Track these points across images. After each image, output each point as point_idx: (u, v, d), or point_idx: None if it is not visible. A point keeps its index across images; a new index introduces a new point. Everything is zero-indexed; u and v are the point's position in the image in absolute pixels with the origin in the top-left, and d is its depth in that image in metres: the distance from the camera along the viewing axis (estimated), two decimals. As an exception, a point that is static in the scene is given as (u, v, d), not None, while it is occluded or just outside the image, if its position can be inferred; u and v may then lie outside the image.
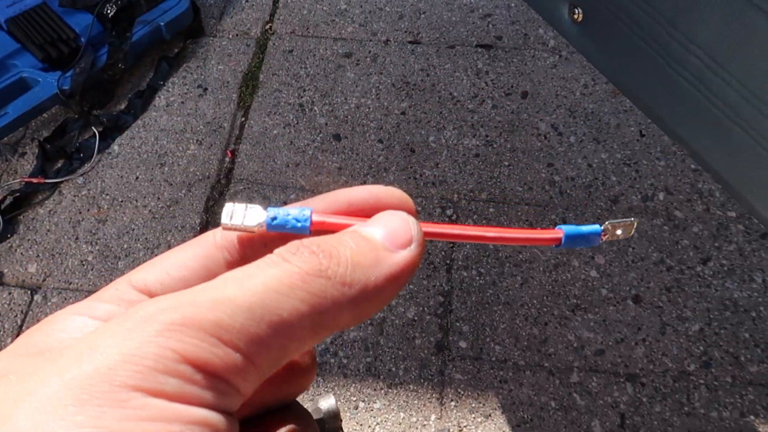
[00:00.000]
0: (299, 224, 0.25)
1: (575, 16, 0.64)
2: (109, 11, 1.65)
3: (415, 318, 1.31)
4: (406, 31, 1.75)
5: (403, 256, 0.23)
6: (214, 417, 0.19)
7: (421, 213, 1.44)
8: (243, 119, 1.61)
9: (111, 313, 0.24)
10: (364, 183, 1.49)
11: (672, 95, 0.59)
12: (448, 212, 1.44)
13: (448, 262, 1.37)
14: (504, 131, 1.56)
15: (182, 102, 1.65)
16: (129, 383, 0.18)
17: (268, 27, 1.79)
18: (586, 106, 1.59)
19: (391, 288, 0.23)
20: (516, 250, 1.38)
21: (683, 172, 1.48)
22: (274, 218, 0.25)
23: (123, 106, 1.64)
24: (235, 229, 0.25)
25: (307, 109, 1.62)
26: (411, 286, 1.35)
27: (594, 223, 0.31)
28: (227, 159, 1.55)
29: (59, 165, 1.56)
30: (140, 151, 1.57)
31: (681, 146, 0.60)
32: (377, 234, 0.24)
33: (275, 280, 0.21)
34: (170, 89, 1.68)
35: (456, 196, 1.46)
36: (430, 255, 1.39)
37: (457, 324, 1.30)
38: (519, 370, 1.25)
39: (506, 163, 1.51)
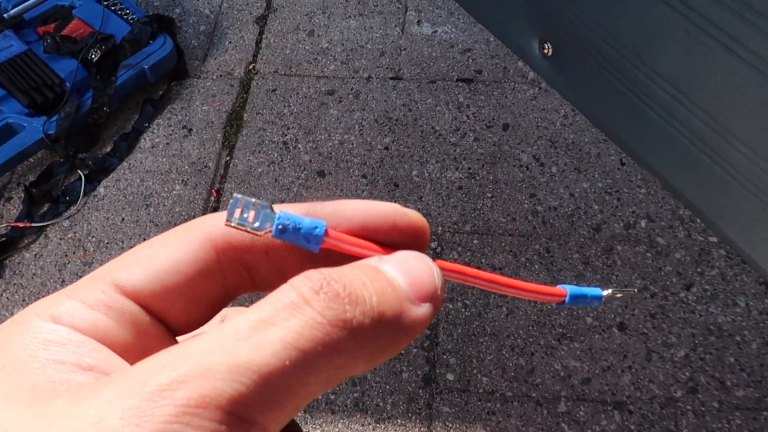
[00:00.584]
0: (309, 243, 0.23)
1: (545, 51, 0.66)
2: (93, 56, 1.67)
3: (402, 351, 1.31)
4: (387, 68, 1.78)
5: (424, 311, 0.21)
6: None
7: (406, 246, 1.45)
8: (228, 158, 1.63)
9: (98, 324, 0.21)
10: (349, 218, 1.50)
11: (641, 126, 0.61)
12: (433, 245, 1.45)
13: (434, 294, 1.38)
14: (486, 163, 1.58)
15: (167, 143, 1.66)
16: None
17: (251, 67, 1.81)
18: (567, 137, 1.62)
19: (405, 342, 0.21)
20: (501, 281, 1.39)
21: (664, 199, 1.50)
22: (284, 228, 0.22)
23: (108, 149, 1.66)
24: (239, 229, 0.23)
25: (291, 147, 1.63)
26: (398, 320, 1.35)
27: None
28: (212, 198, 1.56)
29: (45, 209, 1.56)
30: (126, 193, 1.58)
31: (653, 175, 0.62)
32: (401, 280, 0.21)
33: (296, 336, 0.18)
34: (155, 131, 1.69)
35: (440, 228, 1.48)
36: (417, 288, 1.39)
37: (444, 356, 1.30)
38: (507, 401, 1.25)
39: (489, 195, 1.53)
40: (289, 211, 0.23)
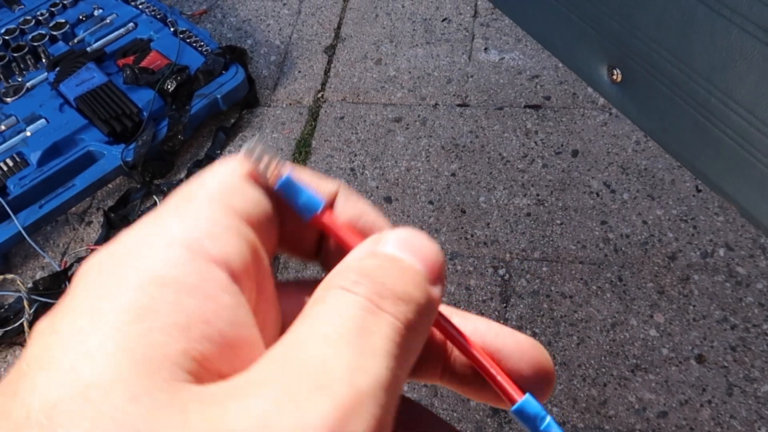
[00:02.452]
0: (302, 211, 0.23)
1: (614, 77, 0.64)
2: (169, 86, 1.74)
3: (470, 380, 1.29)
4: (454, 95, 1.79)
5: (438, 292, 0.21)
6: None
7: (472, 273, 1.44)
8: (296, 185, 1.65)
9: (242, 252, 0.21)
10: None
11: (715, 152, 0.59)
12: (501, 272, 1.43)
13: (501, 322, 1.36)
14: (555, 190, 1.55)
15: (238, 170, 1.70)
16: None
17: (320, 95, 1.85)
18: (639, 163, 1.58)
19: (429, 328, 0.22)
20: (571, 309, 1.36)
21: (744, 227, 1.44)
22: (287, 186, 0.23)
23: (182, 175, 1.71)
24: (255, 169, 0.23)
25: (358, 173, 1.65)
26: (464, 348, 1.33)
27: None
28: (281, 224, 1.58)
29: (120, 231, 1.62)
30: (198, 218, 1.62)
31: (730, 203, 0.60)
32: (419, 266, 0.21)
33: (391, 344, 0.19)
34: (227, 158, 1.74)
35: (508, 255, 1.46)
36: (484, 316, 1.37)
37: (513, 386, 1.28)
38: (578, 434, 1.21)
39: (558, 222, 1.50)
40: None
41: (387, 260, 0.21)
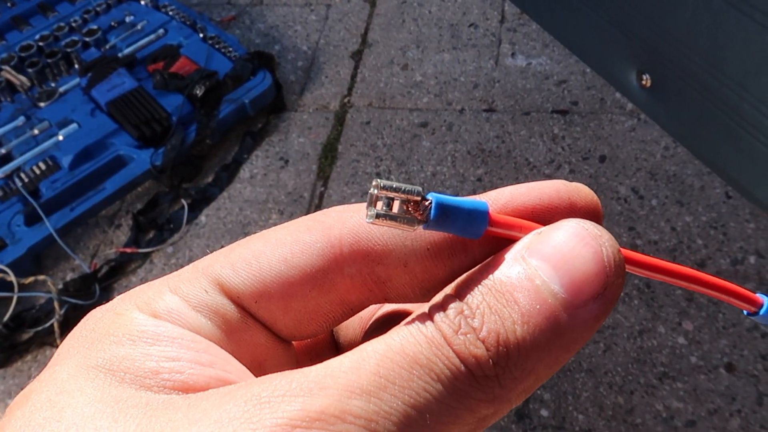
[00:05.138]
0: (467, 229, 0.19)
1: (643, 82, 0.64)
2: (198, 92, 1.76)
3: (495, 386, 1.29)
4: (480, 100, 1.78)
5: (589, 312, 0.18)
6: None
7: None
8: (323, 189, 1.66)
9: (202, 328, 0.20)
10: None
11: (747, 157, 0.58)
12: (527, 278, 1.42)
13: (527, 328, 1.35)
14: (582, 195, 1.54)
15: (265, 174, 1.72)
16: None
17: (346, 100, 1.86)
18: (668, 169, 1.56)
19: (575, 349, 0.18)
20: (598, 317, 1.35)
21: (774, 233, 1.42)
22: (443, 213, 0.18)
23: (210, 179, 1.73)
24: (386, 225, 0.18)
25: (384, 178, 1.65)
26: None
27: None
28: (307, 228, 1.59)
29: (151, 235, 1.64)
30: (225, 221, 1.64)
31: (762, 209, 0.59)
32: (557, 282, 0.18)
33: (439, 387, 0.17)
34: (254, 162, 1.75)
35: (534, 261, 1.45)
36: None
37: (538, 391, 1.27)
38: (604, 442, 1.20)
39: (585, 228, 1.49)
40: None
41: (503, 288, 0.18)
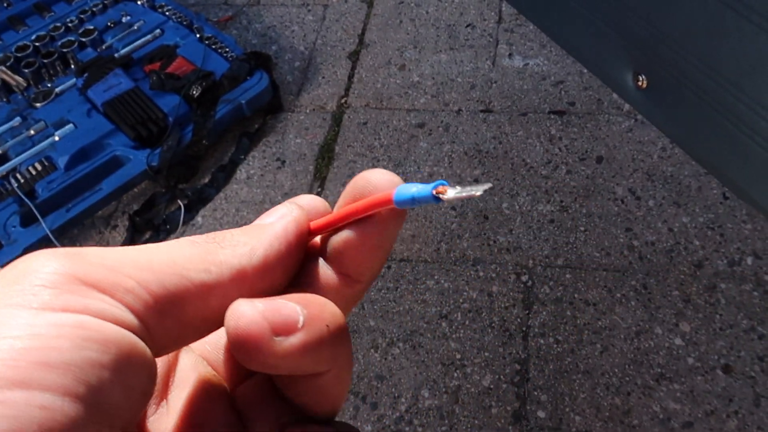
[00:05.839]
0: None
1: (639, 83, 0.64)
2: (195, 92, 1.75)
3: (491, 386, 1.28)
4: (477, 101, 1.78)
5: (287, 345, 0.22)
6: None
7: (495, 279, 1.43)
8: (319, 189, 1.66)
9: None
10: (438, 250, 1.50)
11: (743, 159, 0.58)
12: (524, 278, 1.42)
13: (524, 329, 1.35)
14: (579, 196, 1.54)
15: (262, 175, 1.71)
16: None
17: (343, 101, 1.85)
18: (665, 170, 1.56)
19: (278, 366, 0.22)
20: (595, 317, 1.35)
21: (771, 234, 1.42)
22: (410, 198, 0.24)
23: (207, 180, 1.72)
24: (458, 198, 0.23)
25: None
26: (486, 354, 1.33)
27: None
28: (304, 229, 1.59)
29: (147, 236, 1.64)
30: (222, 222, 1.63)
31: (758, 211, 0.59)
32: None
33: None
34: (250, 163, 1.75)
35: (531, 262, 1.45)
36: (506, 322, 1.37)
37: (535, 393, 1.27)
38: (601, 443, 1.20)
39: (582, 229, 1.49)
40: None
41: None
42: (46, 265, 0.19)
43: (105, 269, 0.20)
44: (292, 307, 0.22)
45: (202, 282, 0.21)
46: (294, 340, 0.21)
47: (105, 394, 0.18)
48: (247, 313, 0.21)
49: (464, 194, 0.23)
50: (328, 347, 0.22)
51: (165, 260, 0.21)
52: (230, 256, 0.23)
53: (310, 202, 0.26)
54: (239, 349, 0.21)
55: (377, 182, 0.25)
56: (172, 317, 0.21)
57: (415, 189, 0.23)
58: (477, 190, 0.22)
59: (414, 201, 0.23)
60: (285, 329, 0.21)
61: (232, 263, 0.22)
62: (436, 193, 0.23)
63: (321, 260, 0.25)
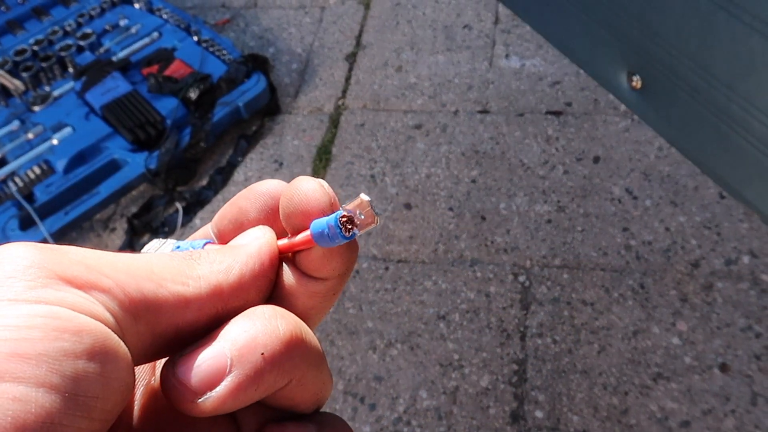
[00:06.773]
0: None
1: (633, 84, 0.64)
2: (192, 95, 1.76)
3: (489, 387, 1.29)
4: (475, 102, 1.79)
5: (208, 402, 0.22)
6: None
7: (492, 280, 1.44)
8: (317, 192, 1.66)
9: None
10: (435, 251, 1.50)
11: (737, 158, 0.58)
12: (521, 279, 1.43)
13: (521, 329, 1.35)
14: (576, 196, 1.55)
15: (260, 176, 1.72)
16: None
17: (340, 103, 1.86)
18: (662, 169, 1.57)
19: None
20: (592, 317, 1.35)
21: None
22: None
23: (205, 182, 1.73)
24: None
25: (378, 180, 1.65)
26: (484, 354, 1.33)
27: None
28: (302, 230, 1.59)
29: (145, 239, 1.64)
30: (220, 225, 1.64)
31: (752, 210, 0.59)
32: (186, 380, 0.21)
33: None
34: (248, 165, 1.75)
35: (528, 262, 1.45)
36: (503, 323, 1.37)
37: (533, 393, 1.27)
38: (599, 442, 1.20)
39: (579, 229, 1.49)
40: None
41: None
42: (22, 257, 0.19)
43: (84, 267, 0.20)
44: (215, 354, 0.21)
45: (180, 294, 0.21)
46: (221, 390, 0.21)
47: (81, 384, 0.18)
48: (163, 378, 0.22)
49: (363, 229, 0.24)
50: (270, 372, 0.21)
51: (144, 268, 0.21)
52: (208, 271, 0.23)
53: (308, 188, 0.26)
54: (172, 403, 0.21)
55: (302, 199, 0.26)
56: (145, 323, 0.21)
57: (325, 221, 0.24)
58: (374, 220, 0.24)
59: (326, 237, 0.24)
60: (208, 385, 0.21)
61: (210, 279, 0.23)
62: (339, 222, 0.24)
63: (284, 264, 0.26)
